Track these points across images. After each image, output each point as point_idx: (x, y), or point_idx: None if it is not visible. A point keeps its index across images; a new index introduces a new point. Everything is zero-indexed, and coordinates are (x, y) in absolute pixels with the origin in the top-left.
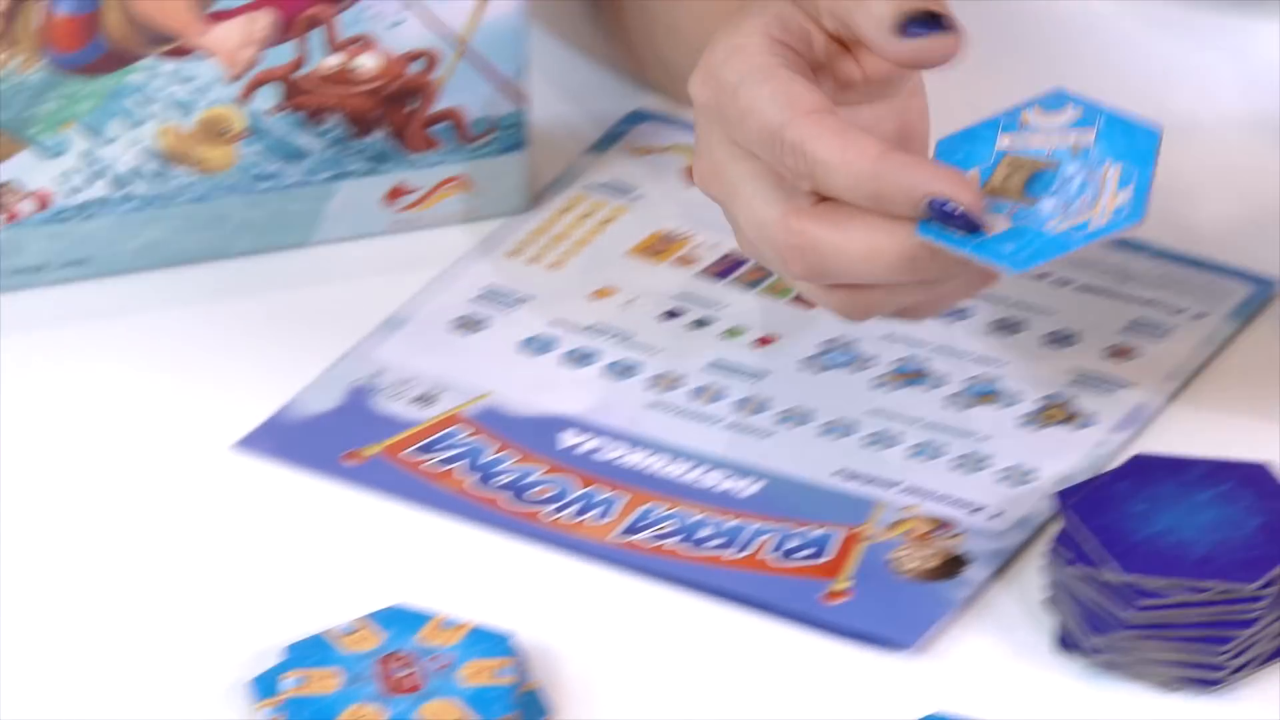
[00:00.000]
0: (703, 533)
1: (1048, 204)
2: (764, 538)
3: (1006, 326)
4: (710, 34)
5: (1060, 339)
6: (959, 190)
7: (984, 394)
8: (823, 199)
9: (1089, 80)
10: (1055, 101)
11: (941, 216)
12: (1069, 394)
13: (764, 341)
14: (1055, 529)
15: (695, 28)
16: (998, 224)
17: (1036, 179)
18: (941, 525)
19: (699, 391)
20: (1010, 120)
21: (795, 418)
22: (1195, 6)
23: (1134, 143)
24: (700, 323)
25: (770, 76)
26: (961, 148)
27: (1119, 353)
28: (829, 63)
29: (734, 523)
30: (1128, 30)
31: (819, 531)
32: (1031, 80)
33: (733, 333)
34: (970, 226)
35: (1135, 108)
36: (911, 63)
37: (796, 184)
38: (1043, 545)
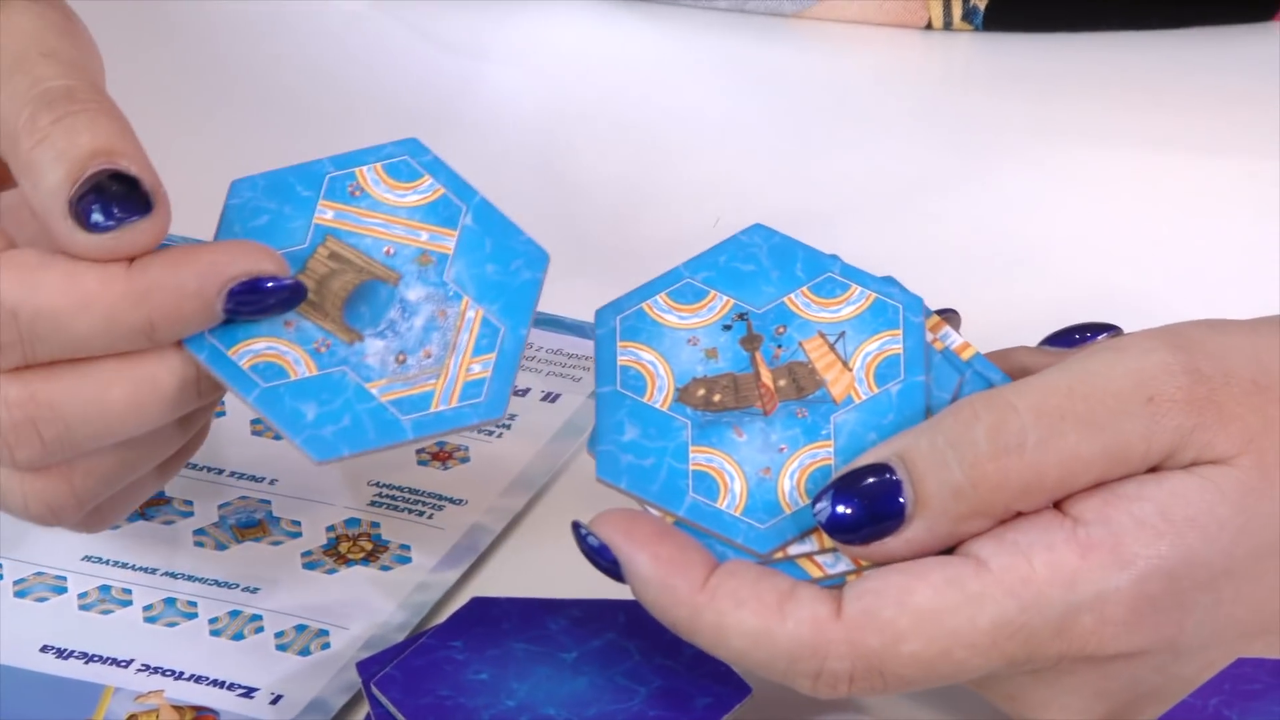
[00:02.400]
0: None
1: (374, 348)
2: None
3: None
4: None
5: None
6: (261, 261)
7: (247, 525)
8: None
9: None
10: (405, 165)
11: (253, 305)
12: (370, 518)
13: None
14: (363, 713)
15: None
16: (300, 364)
17: (365, 294)
18: (199, 717)
19: None
20: (340, 178)
21: None
22: None
23: (508, 273)
24: None
25: None
26: (263, 207)
27: (439, 456)
28: None
29: None
30: None
31: None
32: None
33: None
34: (291, 298)
35: None
36: (103, 259)
37: None
38: None
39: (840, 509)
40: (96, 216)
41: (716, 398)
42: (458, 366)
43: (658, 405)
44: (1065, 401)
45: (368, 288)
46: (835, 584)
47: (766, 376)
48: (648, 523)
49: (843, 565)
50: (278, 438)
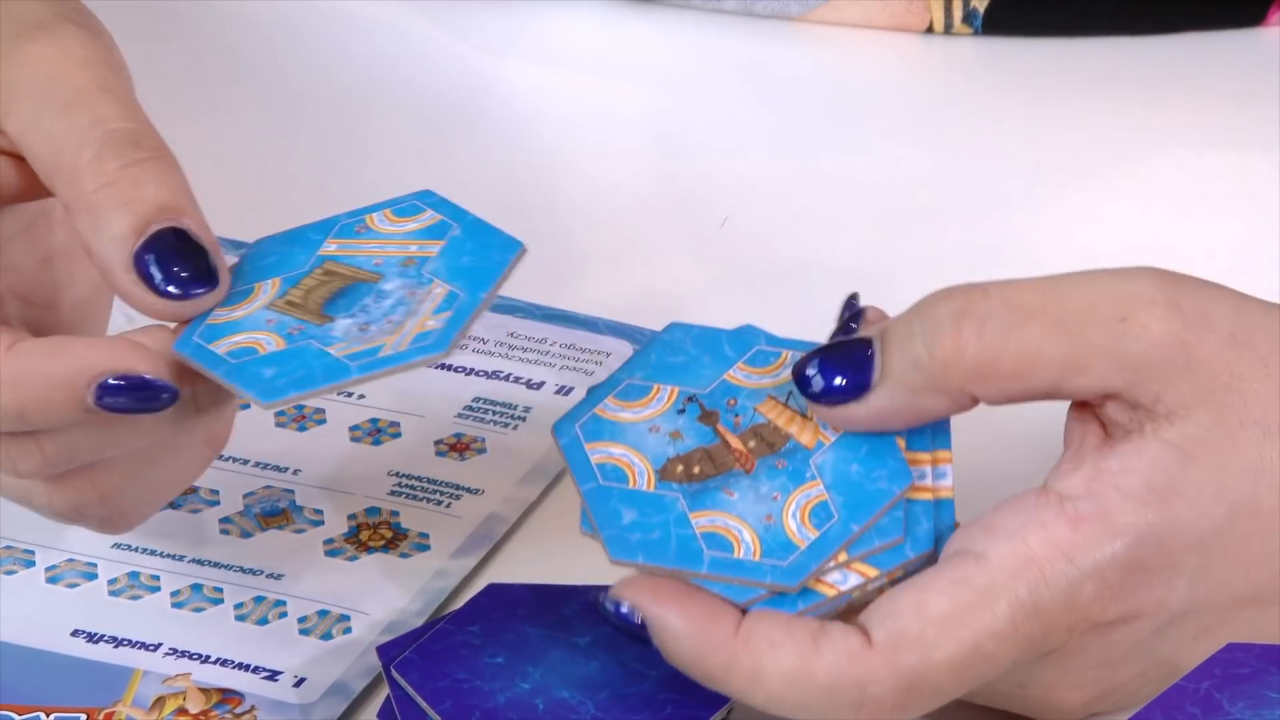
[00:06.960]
0: None
1: (342, 325)
2: None
3: (295, 417)
4: None
5: (373, 430)
6: (133, 361)
7: (271, 513)
8: None
9: None
10: (412, 207)
11: (124, 402)
12: (390, 507)
13: None
14: (383, 695)
15: None
16: (271, 344)
17: (345, 291)
18: (225, 699)
19: None
20: (351, 222)
21: (10, 559)
22: None
23: (483, 259)
24: None
25: None
26: (276, 251)
27: (456, 447)
28: None
29: None
30: None
31: (56, 716)
32: None
33: None
34: (148, 396)
35: None
36: (162, 318)
37: None
38: (371, 717)
39: (820, 374)
40: (157, 274)
41: (696, 469)
42: (414, 325)
43: (643, 489)
44: (1038, 300)
45: (350, 288)
46: (845, 600)
47: (735, 442)
48: (669, 583)
49: (852, 580)
50: (302, 429)
